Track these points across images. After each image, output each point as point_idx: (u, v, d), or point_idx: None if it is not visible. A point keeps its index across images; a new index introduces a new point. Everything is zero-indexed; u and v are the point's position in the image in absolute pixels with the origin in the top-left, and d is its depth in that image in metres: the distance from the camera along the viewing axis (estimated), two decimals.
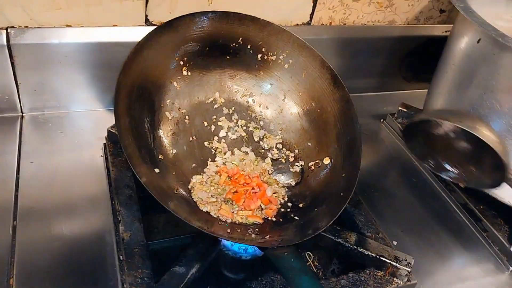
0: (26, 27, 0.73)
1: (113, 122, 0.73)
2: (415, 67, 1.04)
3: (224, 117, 0.76)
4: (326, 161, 0.72)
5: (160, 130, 0.69)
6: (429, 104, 0.84)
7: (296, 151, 0.75)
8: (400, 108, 0.93)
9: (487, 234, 0.73)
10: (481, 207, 0.76)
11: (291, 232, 0.62)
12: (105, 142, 0.75)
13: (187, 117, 0.73)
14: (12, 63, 0.73)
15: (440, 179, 0.82)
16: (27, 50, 0.73)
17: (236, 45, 0.74)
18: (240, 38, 0.74)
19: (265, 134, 0.77)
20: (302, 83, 0.76)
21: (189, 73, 0.73)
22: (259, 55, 0.76)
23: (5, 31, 0.71)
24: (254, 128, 0.77)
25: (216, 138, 0.74)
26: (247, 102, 0.78)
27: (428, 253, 0.70)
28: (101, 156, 0.74)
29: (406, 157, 0.89)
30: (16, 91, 0.76)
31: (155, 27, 0.67)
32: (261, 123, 0.78)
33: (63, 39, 0.74)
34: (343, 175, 0.67)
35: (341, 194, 0.63)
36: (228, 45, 0.74)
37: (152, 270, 0.56)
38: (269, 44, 0.75)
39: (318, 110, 0.75)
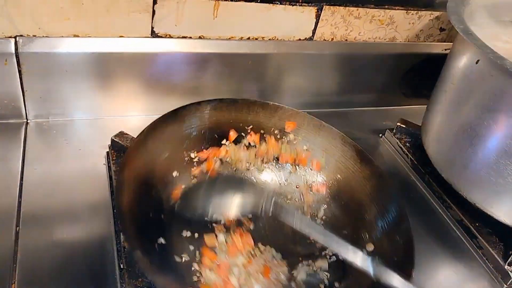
0: (34, 36, 0.74)
1: (116, 130, 0.75)
2: (415, 83, 1.06)
3: None
4: (369, 247, 0.63)
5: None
6: (428, 120, 0.85)
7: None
8: (398, 124, 0.95)
9: (482, 251, 0.74)
10: (477, 224, 0.77)
11: None
12: (108, 150, 0.76)
13: None
14: (19, 71, 0.74)
15: (437, 196, 0.83)
16: (35, 59, 0.74)
17: (247, 133, 0.72)
18: (251, 126, 0.72)
19: None
20: (323, 168, 0.72)
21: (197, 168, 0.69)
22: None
23: (13, 39, 0.72)
24: None
25: None
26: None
27: (424, 269, 0.71)
28: (104, 164, 0.75)
29: (404, 173, 0.90)
30: (22, 98, 0.77)
31: (159, 116, 0.65)
32: None
33: (70, 48, 0.76)
34: (395, 259, 0.59)
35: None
36: (238, 134, 0.71)
37: None
38: (282, 129, 0.73)
39: (348, 193, 0.69)
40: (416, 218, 0.80)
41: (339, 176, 0.71)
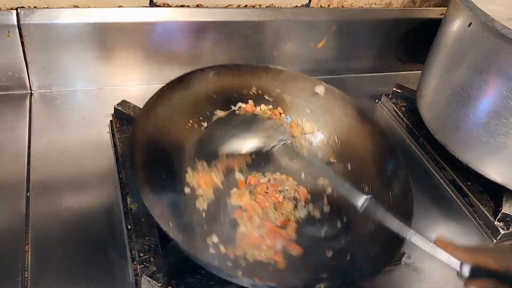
0: (35, 7, 0.76)
1: (119, 99, 0.77)
2: (411, 49, 1.07)
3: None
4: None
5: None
6: (423, 84, 0.87)
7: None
8: (394, 89, 0.97)
9: (474, 209, 0.77)
10: (469, 183, 0.79)
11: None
12: (111, 119, 0.78)
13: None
14: (22, 42, 0.76)
15: (431, 157, 0.86)
16: (36, 30, 0.76)
17: (253, 95, 0.74)
18: (255, 89, 0.74)
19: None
20: (327, 126, 0.75)
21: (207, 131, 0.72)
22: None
23: (15, 11, 0.74)
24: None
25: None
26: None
27: (417, 226, 0.74)
28: (108, 132, 0.77)
29: (400, 136, 0.92)
30: (25, 69, 0.79)
31: (160, 85, 0.67)
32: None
33: (71, 19, 0.77)
34: (395, 209, 0.61)
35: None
36: (243, 97, 0.74)
37: (159, 239, 0.60)
38: (286, 91, 0.75)
39: (351, 150, 0.73)
40: (410, 178, 0.83)
41: (341, 134, 0.74)
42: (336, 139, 0.75)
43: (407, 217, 0.59)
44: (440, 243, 0.52)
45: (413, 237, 0.54)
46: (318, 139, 0.76)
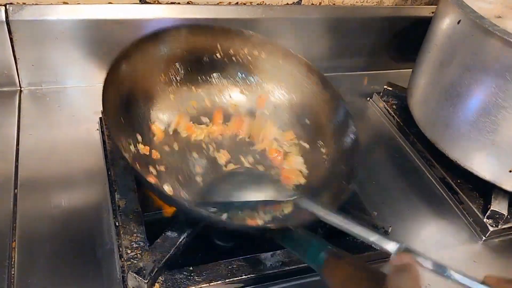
0: (24, 3, 0.75)
1: None
2: (402, 47, 1.07)
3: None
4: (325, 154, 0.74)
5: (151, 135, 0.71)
6: (413, 82, 0.88)
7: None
8: (385, 87, 0.97)
9: (463, 206, 0.77)
10: (458, 181, 0.80)
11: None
12: (101, 116, 0.78)
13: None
14: (11, 39, 0.76)
15: (421, 155, 0.86)
16: (25, 26, 0.76)
17: (223, 59, 0.78)
18: (227, 50, 0.77)
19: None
20: (290, 90, 0.80)
21: (178, 87, 0.76)
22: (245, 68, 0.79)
23: (4, 7, 0.73)
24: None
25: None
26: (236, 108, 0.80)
27: (407, 223, 0.75)
28: (97, 129, 0.77)
29: (391, 134, 0.92)
30: (14, 66, 0.79)
31: (138, 38, 0.69)
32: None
33: (60, 15, 0.77)
34: (342, 167, 0.69)
35: (343, 182, 0.65)
36: (212, 60, 0.77)
37: (147, 235, 0.60)
38: (253, 56, 0.79)
39: (311, 113, 0.78)
40: (400, 176, 0.83)
41: (303, 99, 0.79)
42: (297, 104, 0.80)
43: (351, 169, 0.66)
44: (491, 280, 0.48)
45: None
46: (281, 98, 0.81)
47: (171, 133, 0.73)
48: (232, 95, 0.81)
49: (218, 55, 0.78)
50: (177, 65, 0.75)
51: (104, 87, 0.61)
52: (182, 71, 0.76)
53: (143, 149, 0.68)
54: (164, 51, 0.73)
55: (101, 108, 0.75)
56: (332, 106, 0.75)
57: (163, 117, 0.74)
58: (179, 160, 0.71)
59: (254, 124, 0.79)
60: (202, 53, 0.77)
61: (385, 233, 0.65)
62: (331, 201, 0.64)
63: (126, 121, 0.66)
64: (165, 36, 0.73)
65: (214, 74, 0.79)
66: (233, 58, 0.79)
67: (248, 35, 0.78)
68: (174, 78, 0.75)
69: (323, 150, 0.74)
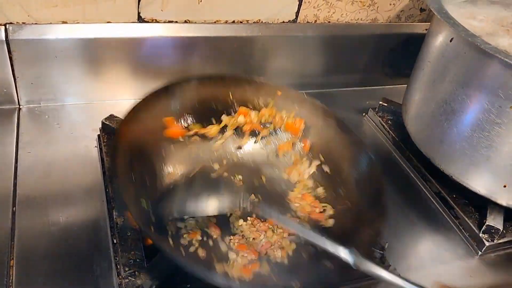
0: (23, 23, 0.76)
1: (107, 114, 0.78)
2: (397, 63, 1.09)
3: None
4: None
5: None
6: (407, 98, 0.89)
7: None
8: (381, 102, 0.98)
9: (459, 221, 0.78)
10: (454, 195, 0.80)
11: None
12: (99, 133, 0.78)
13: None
14: (10, 58, 0.76)
15: (417, 170, 0.87)
16: (25, 45, 0.76)
17: (235, 111, 0.75)
18: (238, 100, 0.75)
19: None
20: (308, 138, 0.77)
21: (190, 141, 0.73)
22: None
23: (3, 27, 0.74)
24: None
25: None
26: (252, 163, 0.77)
27: (403, 238, 0.75)
28: (95, 146, 0.78)
29: (386, 150, 0.93)
30: (13, 84, 0.79)
31: (149, 92, 0.68)
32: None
33: (59, 35, 0.78)
34: (368, 216, 0.64)
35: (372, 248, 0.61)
36: (225, 111, 0.75)
37: (144, 253, 0.60)
38: (269, 103, 0.76)
39: (330, 161, 0.74)
40: (397, 191, 0.84)
41: (321, 145, 0.75)
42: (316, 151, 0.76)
43: (380, 218, 0.61)
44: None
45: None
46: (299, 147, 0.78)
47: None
48: (246, 146, 0.78)
49: (230, 105, 0.75)
50: (189, 117, 0.74)
51: (114, 145, 0.60)
52: (195, 123, 0.74)
53: None
54: (174, 104, 0.72)
55: (100, 126, 0.77)
56: (353, 151, 0.72)
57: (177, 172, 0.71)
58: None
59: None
60: (214, 104, 0.75)
61: (382, 249, 0.65)
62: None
63: (137, 179, 0.62)
64: (176, 89, 0.72)
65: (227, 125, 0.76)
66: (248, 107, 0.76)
67: (260, 83, 0.76)
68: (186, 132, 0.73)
69: (345, 199, 0.70)
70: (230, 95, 0.75)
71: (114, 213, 0.64)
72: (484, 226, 0.74)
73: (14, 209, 0.65)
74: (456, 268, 0.73)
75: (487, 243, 0.74)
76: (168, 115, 0.71)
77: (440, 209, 0.81)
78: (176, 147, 0.72)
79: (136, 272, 0.57)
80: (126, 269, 0.58)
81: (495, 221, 0.74)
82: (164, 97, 0.70)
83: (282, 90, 0.77)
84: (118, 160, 0.59)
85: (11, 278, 0.57)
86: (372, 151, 0.90)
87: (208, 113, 0.75)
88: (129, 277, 0.57)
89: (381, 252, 0.65)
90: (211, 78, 0.75)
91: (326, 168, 0.74)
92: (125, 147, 0.62)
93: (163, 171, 0.70)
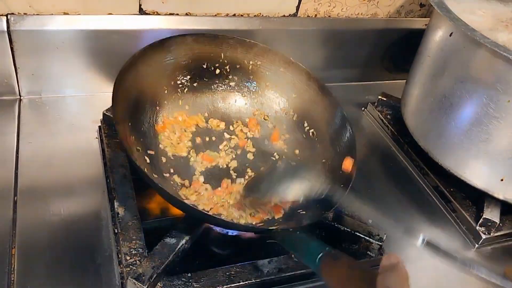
0: (25, 14, 0.77)
1: (107, 105, 0.77)
2: (396, 58, 1.09)
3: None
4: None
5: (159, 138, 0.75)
6: (407, 93, 0.89)
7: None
8: (380, 97, 0.99)
9: (456, 214, 0.79)
10: (452, 189, 0.81)
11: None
12: (100, 124, 0.79)
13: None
14: (12, 48, 0.77)
15: (415, 164, 0.88)
16: (26, 36, 0.77)
17: (225, 69, 0.82)
18: (228, 58, 0.81)
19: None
20: (291, 98, 0.84)
21: (184, 93, 0.80)
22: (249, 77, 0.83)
23: (5, 17, 0.74)
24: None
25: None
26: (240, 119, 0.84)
27: (401, 230, 0.75)
28: (96, 138, 0.78)
29: (385, 144, 0.94)
30: (15, 75, 0.80)
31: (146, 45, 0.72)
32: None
33: (61, 26, 0.78)
34: (340, 172, 0.71)
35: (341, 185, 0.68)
36: (216, 68, 0.81)
37: (145, 242, 0.60)
38: (255, 65, 0.83)
39: (310, 120, 0.81)
40: (395, 184, 0.85)
41: (303, 106, 0.83)
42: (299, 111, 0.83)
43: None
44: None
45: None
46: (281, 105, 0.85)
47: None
48: (235, 100, 0.85)
49: (221, 63, 0.81)
50: (183, 71, 0.79)
51: (113, 93, 0.63)
52: (188, 78, 0.80)
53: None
54: (170, 59, 0.76)
55: (101, 117, 0.77)
56: (330, 112, 0.79)
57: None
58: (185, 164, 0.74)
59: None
60: (207, 61, 0.80)
61: (380, 240, 0.66)
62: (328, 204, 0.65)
63: (133, 125, 0.70)
64: (171, 44, 0.76)
65: (218, 81, 0.83)
66: (237, 66, 0.82)
67: (250, 44, 0.81)
68: (180, 85, 0.79)
69: (322, 154, 0.77)
70: (222, 55, 0.81)
71: (115, 203, 0.65)
72: (481, 219, 0.75)
73: (15, 199, 0.66)
74: (453, 261, 0.74)
75: (484, 236, 0.75)
76: (162, 68, 0.76)
77: (438, 203, 0.82)
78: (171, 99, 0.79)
79: (137, 261, 0.58)
80: (128, 258, 0.58)
81: (491, 214, 0.75)
82: (160, 49, 0.74)
83: (271, 52, 0.82)
84: (118, 108, 0.64)
85: (12, 266, 0.57)
86: (370, 145, 0.92)
87: (200, 71, 0.81)
88: (131, 266, 0.57)
89: (379, 243, 0.66)
90: (205, 35, 0.79)
91: (306, 126, 0.81)
92: (122, 97, 0.67)
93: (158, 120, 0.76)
